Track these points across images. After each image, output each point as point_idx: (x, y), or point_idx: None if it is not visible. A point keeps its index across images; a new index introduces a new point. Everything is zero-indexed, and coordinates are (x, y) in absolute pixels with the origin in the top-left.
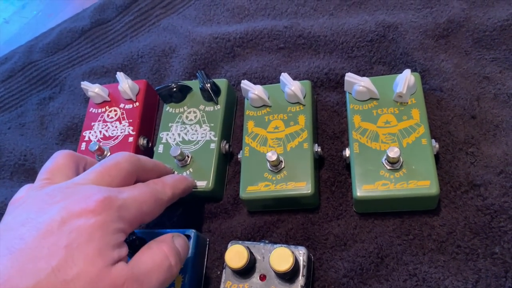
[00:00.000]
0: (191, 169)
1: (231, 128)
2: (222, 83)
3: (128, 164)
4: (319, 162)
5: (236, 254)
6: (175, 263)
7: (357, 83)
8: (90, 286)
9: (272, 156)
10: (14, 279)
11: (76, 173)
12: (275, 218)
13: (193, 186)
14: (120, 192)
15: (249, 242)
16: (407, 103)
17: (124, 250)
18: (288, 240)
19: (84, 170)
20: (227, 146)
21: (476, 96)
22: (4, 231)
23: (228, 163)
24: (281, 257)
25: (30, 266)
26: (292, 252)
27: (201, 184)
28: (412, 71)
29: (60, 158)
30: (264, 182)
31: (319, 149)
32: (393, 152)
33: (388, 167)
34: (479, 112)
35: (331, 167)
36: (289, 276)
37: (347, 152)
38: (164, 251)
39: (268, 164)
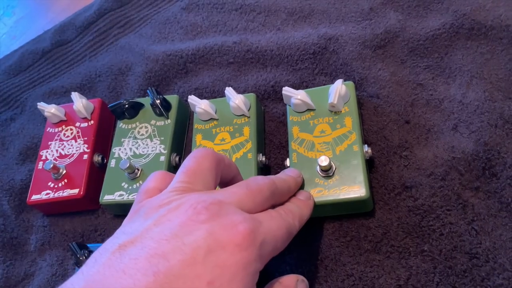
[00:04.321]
0: (141, 182)
1: (183, 142)
2: (173, 98)
3: (269, 193)
4: (265, 171)
5: None
6: None
7: (293, 96)
8: None
9: None
10: None
11: (216, 179)
12: None
13: (312, 210)
14: (261, 224)
15: None
16: (341, 111)
17: None
18: None
19: (222, 174)
20: (177, 159)
21: (410, 102)
22: (145, 238)
23: None
24: None
25: None
26: None
27: None
28: (351, 80)
29: (203, 159)
30: None
31: (263, 159)
32: (322, 161)
33: (322, 175)
34: (413, 117)
35: None
36: None
37: (287, 162)
38: None
39: None
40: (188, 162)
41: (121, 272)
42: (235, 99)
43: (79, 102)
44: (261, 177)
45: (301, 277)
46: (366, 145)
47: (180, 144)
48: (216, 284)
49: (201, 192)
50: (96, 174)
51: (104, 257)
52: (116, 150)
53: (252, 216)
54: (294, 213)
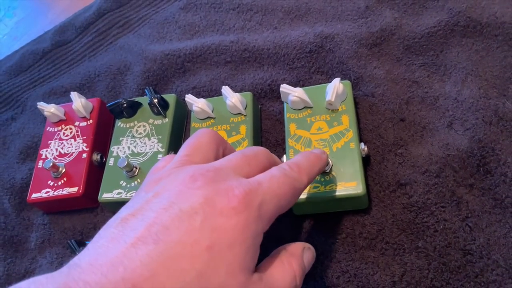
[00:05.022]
0: (139, 180)
1: (181, 140)
2: (170, 97)
3: (266, 159)
4: None
5: None
6: (299, 283)
7: (291, 94)
8: None
9: None
10: (160, 276)
11: (216, 154)
12: None
13: (326, 165)
14: (259, 184)
15: None
16: (338, 109)
17: (258, 254)
18: None
19: (223, 154)
20: None
21: (406, 100)
22: (146, 210)
23: None
24: None
25: (174, 264)
26: None
27: None
28: (347, 78)
29: (203, 136)
30: None
31: None
32: None
33: None
34: (408, 115)
35: None
36: None
37: (284, 159)
38: (294, 270)
39: None
40: (188, 140)
41: (123, 243)
42: (232, 98)
43: (78, 102)
44: (258, 147)
45: (307, 245)
46: (362, 143)
47: (178, 142)
48: (215, 248)
49: (200, 164)
50: (95, 173)
51: (107, 232)
52: (114, 149)
53: (249, 179)
54: (301, 167)
